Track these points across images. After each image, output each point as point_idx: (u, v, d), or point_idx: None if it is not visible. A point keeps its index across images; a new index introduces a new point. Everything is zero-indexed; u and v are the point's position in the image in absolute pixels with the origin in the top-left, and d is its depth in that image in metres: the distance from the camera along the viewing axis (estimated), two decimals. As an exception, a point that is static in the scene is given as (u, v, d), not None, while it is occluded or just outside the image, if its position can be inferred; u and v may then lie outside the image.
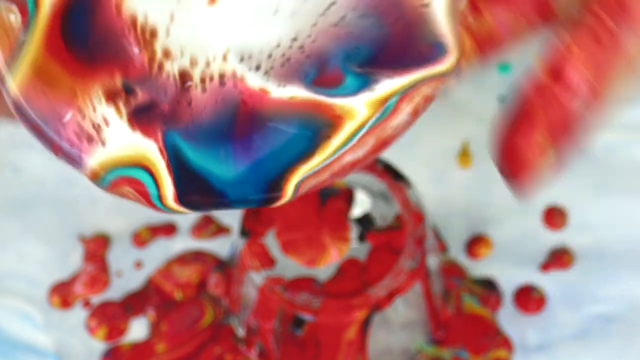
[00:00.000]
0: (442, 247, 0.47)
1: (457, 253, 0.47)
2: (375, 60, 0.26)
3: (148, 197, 0.27)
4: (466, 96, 0.50)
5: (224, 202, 0.27)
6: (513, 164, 0.28)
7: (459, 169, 0.49)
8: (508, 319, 0.45)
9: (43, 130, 0.27)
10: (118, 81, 0.26)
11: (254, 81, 0.26)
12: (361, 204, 0.42)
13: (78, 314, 0.46)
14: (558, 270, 0.46)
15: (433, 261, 0.42)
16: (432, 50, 0.26)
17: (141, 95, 0.26)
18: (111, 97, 0.26)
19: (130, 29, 0.26)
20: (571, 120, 0.27)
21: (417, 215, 0.41)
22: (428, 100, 0.27)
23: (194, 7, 0.26)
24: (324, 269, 0.41)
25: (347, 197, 0.42)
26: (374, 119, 0.26)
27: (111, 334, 0.45)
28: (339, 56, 0.26)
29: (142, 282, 0.47)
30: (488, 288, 0.46)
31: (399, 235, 0.41)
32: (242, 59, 0.26)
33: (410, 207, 0.42)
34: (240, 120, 0.26)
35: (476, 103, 0.50)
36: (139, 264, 0.47)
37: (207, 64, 0.26)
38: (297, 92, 0.26)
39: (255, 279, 0.41)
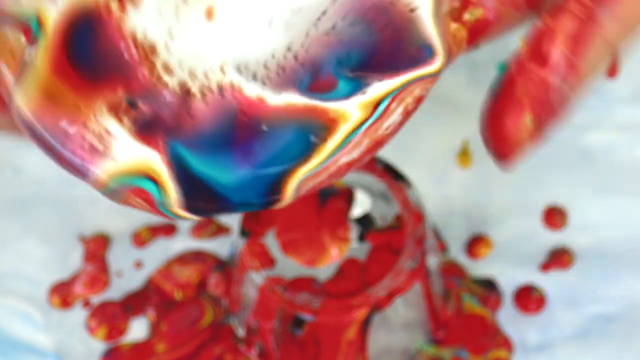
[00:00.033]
0: (442, 247, 0.47)
1: (457, 253, 0.47)
2: (366, 64, 0.27)
3: (154, 205, 0.28)
4: (466, 96, 0.50)
5: (228, 206, 0.28)
6: (502, 144, 0.29)
7: (459, 169, 0.49)
8: (508, 319, 0.45)
9: (51, 145, 0.28)
10: (121, 96, 0.27)
11: (252, 90, 0.27)
12: (361, 204, 0.42)
13: (78, 314, 0.46)
14: (558, 270, 0.46)
15: (433, 261, 0.42)
16: (420, 53, 0.28)
17: (144, 109, 0.27)
18: (115, 111, 0.27)
19: (131, 47, 0.27)
20: (552, 95, 0.28)
21: (417, 215, 0.41)
22: (418, 100, 0.28)
23: (193, 24, 0.27)
24: (324, 269, 0.41)
25: (347, 197, 0.42)
26: (367, 120, 0.28)
27: (111, 334, 0.45)
28: (332, 63, 0.27)
29: (142, 282, 0.47)
30: (488, 288, 0.46)
31: (399, 235, 0.41)
32: (239, 70, 0.27)
33: (410, 207, 0.42)
34: (239, 128, 0.27)
35: (476, 103, 0.50)
36: (139, 264, 0.47)
37: (206, 77, 0.27)
38: (292, 98, 0.27)
39: (255, 279, 0.41)
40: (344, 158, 0.28)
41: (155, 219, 0.47)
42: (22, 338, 0.46)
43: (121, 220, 0.48)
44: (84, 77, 0.27)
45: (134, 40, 0.27)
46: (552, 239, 0.47)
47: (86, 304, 0.46)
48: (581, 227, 0.47)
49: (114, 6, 0.27)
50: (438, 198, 0.48)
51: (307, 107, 0.27)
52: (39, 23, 0.27)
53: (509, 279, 0.46)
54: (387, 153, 0.49)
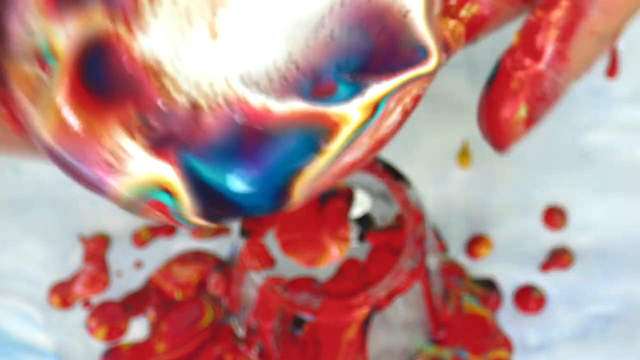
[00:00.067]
0: (442, 247, 0.47)
1: (457, 253, 0.47)
2: (364, 68, 0.29)
3: (171, 215, 0.29)
4: (466, 96, 0.50)
5: (241, 212, 0.29)
6: (498, 134, 0.31)
7: (459, 169, 0.49)
8: (508, 319, 0.45)
9: (70, 164, 0.29)
10: (133, 114, 0.28)
11: (257, 100, 0.28)
12: (361, 204, 0.42)
13: (78, 314, 0.46)
14: (558, 270, 0.46)
15: (433, 261, 0.42)
16: (415, 54, 0.29)
17: (156, 125, 0.28)
18: (128, 129, 0.29)
19: (141, 68, 0.28)
20: (546, 87, 0.30)
21: (417, 215, 0.41)
22: (416, 99, 0.30)
23: (198, 43, 0.28)
24: (324, 269, 0.41)
25: (347, 197, 0.42)
26: (368, 121, 0.29)
27: (111, 334, 0.45)
28: (331, 69, 0.28)
29: (142, 282, 0.47)
30: (488, 288, 0.46)
31: (399, 235, 0.41)
32: (244, 83, 0.28)
33: (410, 207, 0.42)
34: (247, 137, 0.28)
35: (476, 103, 0.50)
36: (139, 264, 0.47)
37: (213, 91, 0.28)
38: (296, 105, 0.28)
39: (255, 279, 0.41)
40: (348, 158, 0.29)
41: (155, 219, 0.47)
42: (22, 338, 0.46)
43: (121, 220, 0.48)
44: (97, 99, 0.28)
45: (143, 62, 0.28)
46: (552, 239, 0.47)
47: (86, 304, 0.46)
48: (581, 227, 0.47)
49: (122, 31, 0.28)
50: (438, 198, 0.48)
51: (310, 113, 0.28)
52: (52, 51, 0.29)
53: (509, 279, 0.46)
54: (387, 153, 0.49)
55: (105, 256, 0.47)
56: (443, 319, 0.44)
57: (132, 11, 0.28)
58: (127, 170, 0.29)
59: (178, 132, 0.29)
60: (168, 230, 0.48)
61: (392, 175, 0.42)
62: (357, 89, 0.29)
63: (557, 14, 0.29)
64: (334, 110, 0.29)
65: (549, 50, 0.30)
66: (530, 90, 0.30)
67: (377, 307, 0.40)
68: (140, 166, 0.29)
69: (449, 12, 0.30)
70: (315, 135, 0.29)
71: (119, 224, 0.48)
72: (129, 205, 0.30)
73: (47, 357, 0.45)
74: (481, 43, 0.50)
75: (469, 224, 0.48)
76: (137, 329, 0.46)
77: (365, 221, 0.41)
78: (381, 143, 0.30)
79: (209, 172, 0.29)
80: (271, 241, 0.41)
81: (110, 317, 0.46)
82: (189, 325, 0.45)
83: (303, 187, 0.29)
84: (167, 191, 0.29)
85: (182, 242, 0.47)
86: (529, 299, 0.46)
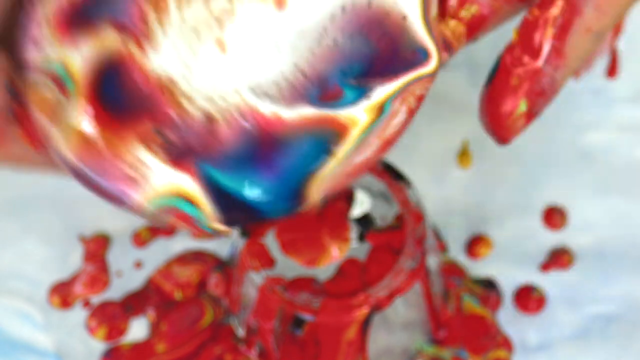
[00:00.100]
0: (442, 247, 0.47)
1: (457, 253, 0.47)
2: (368, 72, 0.30)
3: (193, 223, 0.31)
4: (466, 96, 0.50)
5: (260, 216, 0.30)
6: (500, 128, 0.32)
7: (459, 169, 0.49)
8: (508, 319, 0.45)
9: (92, 180, 0.31)
10: (151, 129, 0.30)
11: (267, 109, 0.30)
12: (361, 204, 0.42)
13: (78, 314, 0.46)
14: (558, 270, 0.46)
15: (433, 261, 0.42)
16: (416, 56, 0.30)
17: (172, 138, 0.30)
18: (147, 143, 0.30)
19: (155, 85, 0.30)
20: (544, 82, 0.31)
21: (417, 215, 0.41)
22: (420, 99, 0.31)
23: (207, 57, 0.30)
24: (324, 269, 0.41)
25: (347, 197, 0.42)
26: (375, 122, 0.30)
27: (111, 334, 0.45)
28: (337, 74, 0.30)
29: (142, 282, 0.47)
30: (488, 288, 0.46)
31: (399, 235, 0.41)
32: (254, 93, 0.30)
33: (410, 207, 0.42)
34: (261, 144, 0.30)
35: (476, 103, 0.50)
36: (139, 264, 0.47)
37: (225, 102, 0.30)
38: (305, 111, 0.30)
39: (255, 279, 0.41)
40: (359, 159, 0.30)
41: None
42: (22, 338, 0.46)
43: (121, 220, 0.48)
44: (115, 117, 0.30)
45: (157, 78, 0.30)
46: (552, 239, 0.47)
47: (86, 304, 0.46)
48: (581, 227, 0.47)
49: (135, 50, 0.30)
50: (438, 198, 0.48)
51: (320, 117, 0.30)
52: (68, 74, 0.30)
53: (509, 279, 0.46)
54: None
55: (105, 256, 0.47)
56: (443, 319, 0.44)
57: (142, 30, 0.30)
58: (150, 183, 0.30)
59: (195, 144, 0.30)
60: (168, 230, 0.48)
61: (392, 175, 0.42)
62: (362, 92, 0.30)
63: (553, 13, 0.30)
64: (342, 113, 0.30)
65: (546, 47, 0.31)
66: (530, 86, 0.31)
67: (377, 307, 0.40)
68: (162, 178, 0.30)
69: (449, 12, 0.31)
70: (326, 138, 0.30)
71: (119, 224, 0.48)
72: (153, 217, 0.31)
73: (47, 357, 0.45)
74: (480, 43, 0.50)
75: (469, 224, 0.48)
76: (137, 329, 0.46)
77: (365, 221, 0.41)
78: (389, 143, 0.31)
79: (227, 180, 0.30)
80: (271, 241, 0.41)
81: (110, 317, 0.46)
82: (189, 325, 0.45)
83: (318, 189, 0.30)
84: (189, 201, 0.30)
85: (182, 242, 0.47)
86: (529, 299, 0.46)
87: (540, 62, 0.31)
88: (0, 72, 0.31)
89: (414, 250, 0.41)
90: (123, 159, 0.30)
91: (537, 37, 0.31)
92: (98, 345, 0.45)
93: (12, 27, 0.32)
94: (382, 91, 0.30)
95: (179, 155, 0.30)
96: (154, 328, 0.45)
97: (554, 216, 0.47)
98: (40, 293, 0.47)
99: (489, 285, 0.46)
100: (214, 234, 0.31)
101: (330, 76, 0.30)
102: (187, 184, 0.30)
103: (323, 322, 0.40)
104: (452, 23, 0.31)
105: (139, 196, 0.30)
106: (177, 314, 0.45)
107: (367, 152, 0.31)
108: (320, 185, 0.30)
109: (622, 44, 0.50)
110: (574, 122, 0.49)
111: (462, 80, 0.50)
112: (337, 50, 0.30)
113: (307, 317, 0.40)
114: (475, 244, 0.47)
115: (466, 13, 0.31)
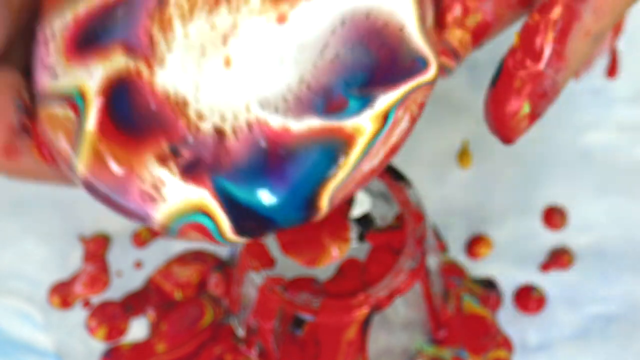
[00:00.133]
0: (442, 247, 0.47)
1: (457, 253, 0.47)
2: (370, 82, 0.31)
3: (211, 236, 0.31)
4: (466, 96, 0.50)
5: (274, 226, 0.31)
6: (504, 128, 0.32)
7: (459, 169, 0.49)
8: (508, 319, 0.45)
9: (112, 199, 0.31)
10: (165, 146, 0.31)
11: (276, 122, 0.31)
12: (361, 204, 0.42)
13: (78, 314, 0.46)
14: (558, 270, 0.46)
15: (433, 261, 0.42)
16: (415, 65, 0.31)
17: (187, 154, 0.31)
18: (162, 160, 0.31)
19: (165, 102, 0.31)
20: (546, 84, 0.32)
21: (417, 215, 0.41)
22: (421, 106, 0.32)
23: (214, 73, 0.31)
24: (324, 269, 0.41)
25: (347, 197, 0.42)
26: (380, 131, 0.31)
27: (111, 334, 0.45)
28: (340, 85, 0.31)
29: (142, 282, 0.47)
30: (488, 288, 0.46)
31: (399, 235, 0.41)
32: (262, 106, 0.31)
33: (410, 207, 0.42)
34: (271, 156, 0.31)
35: (476, 103, 0.50)
36: (139, 264, 0.47)
37: (235, 117, 0.31)
38: (312, 122, 0.31)
39: (255, 279, 0.41)
40: (367, 166, 0.31)
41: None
42: (22, 338, 0.46)
43: (121, 220, 0.48)
44: (127, 134, 0.31)
45: (166, 95, 0.31)
46: (552, 239, 0.47)
47: (86, 304, 0.46)
48: (581, 227, 0.47)
49: (143, 69, 0.31)
50: (438, 198, 0.48)
51: (326, 128, 0.31)
52: (81, 95, 0.31)
53: (509, 279, 0.46)
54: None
55: (105, 256, 0.47)
56: (443, 319, 0.44)
57: (148, 47, 0.31)
58: (165, 198, 0.31)
59: (208, 159, 0.31)
60: (168, 230, 0.48)
61: (392, 175, 0.42)
62: (366, 102, 0.31)
63: (553, 17, 0.31)
64: (347, 123, 0.31)
65: (548, 51, 0.31)
66: (532, 88, 0.32)
67: (377, 307, 0.40)
68: (177, 193, 0.31)
69: (455, 22, 0.32)
70: (334, 148, 0.31)
71: (119, 224, 0.48)
72: (170, 230, 0.31)
73: (47, 357, 0.45)
74: (481, 43, 0.50)
75: (469, 224, 0.48)
76: (137, 329, 0.46)
77: (365, 221, 0.41)
78: (394, 149, 0.32)
79: (240, 192, 0.31)
80: (271, 241, 0.41)
81: (110, 317, 0.46)
82: (189, 325, 0.45)
83: (329, 197, 0.31)
84: (205, 213, 0.31)
85: (182, 242, 0.47)
86: (529, 299, 0.46)
87: (541, 65, 0.31)
88: (9, 88, 0.32)
89: (414, 250, 0.41)
90: (138, 175, 0.31)
91: (538, 41, 0.31)
92: (98, 345, 0.45)
93: (17, 44, 0.33)
94: (385, 100, 0.31)
95: (193, 169, 0.31)
96: (154, 328, 0.45)
97: (554, 216, 0.47)
98: (40, 293, 0.47)
99: (489, 285, 0.46)
100: (230, 244, 0.32)
101: (335, 87, 0.31)
102: (204, 197, 0.31)
103: (323, 322, 0.40)
104: (458, 32, 0.32)
105: (157, 212, 0.31)
106: (177, 314, 0.45)
107: (374, 160, 0.31)
108: (331, 193, 0.31)
109: (622, 44, 0.50)
110: (574, 122, 0.49)
111: (462, 80, 0.50)
112: (339, 62, 0.31)
113: (307, 317, 0.40)
114: (475, 244, 0.47)
115: (471, 21, 0.32)
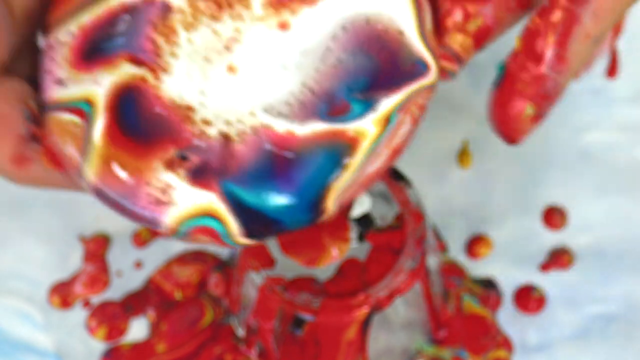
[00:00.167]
0: (442, 247, 0.47)
1: (457, 253, 0.47)
2: (372, 85, 0.31)
3: (219, 239, 0.32)
4: (466, 96, 0.50)
5: (282, 228, 0.32)
6: (509, 130, 0.33)
7: (459, 169, 0.49)
8: (508, 319, 0.45)
9: (121, 205, 0.32)
10: (172, 152, 0.31)
11: (280, 126, 0.31)
12: (361, 204, 0.42)
13: (78, 314, 0.46)
14: (558, 270, 0.46)
15: (433, 261, 0.42)
16: (415, 68, 0.32)
17: (194, 159, 0.31)
18: (170, 166, 0.31)
19: (172, 109, 0.31)
20: (548, 86, 0.32)
21: (417, 215, 0.41)
22: (422, 109, 0.32)
23: (219, 80, 0.31)
24: (324, 269, 0.41)
25: (347, 197, 0.41)
26: (382, 133, 0.31)
27: (111, 334, 0.45)
28: (343, 89, 0.31)
29: (142, 282, 0.47)
30: (488, 288, 0.46)
31: (399, 235, 0.41)
32: (267, 112, 0.31)
33: (410, 207, 0.42)
34: (277, 160, 0.31)
35: (476, 103, 0.50)
36: (139, 264, 0.47)
37: (241, 122, 0.31)
38: (316, 126, 0.31)
39: (255, 279, 0.41)
40: (371, 168, 0.32)
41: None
42: (22, 338, 0.46)
43: (121, 220, 0.48)
44: (137, 142, 0.31)
45: (173, 102, 0.31)
46: (552, 239, 0.47)
47: (86, 304, 0.46)
48: (581, 227, 0.47)
49: (149, 77, 0.31)
50: (438, 198, 0.48)
51: (330, 132, 0.31)
52: (90, 104, 0.32)
53: (509, 279, 0.46)
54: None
55: (105, 256, 0.47)
56: (443, 319, 0.44)
57: (153, 55, 0.31)
58: (174, 203, 0.31)
59: (216, 164, 0.31)
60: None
61: (392, 175, 0.42)
62: (369, 105, 0.31)
63: (554, 21, 0.32)
64: (351, 127, 0.31)
65: (549, 54, 0.32)
66: (535, 90, 0.32)
67: (377, 307, 0.40)
68: (186, 197, 0.31)
69: (456, 27, 0.33)
70: (338, 151, 0.31)
71: (119, 224, 0.48)
72: (180, 235, 0.32)
73: (47, 357, 0.45)
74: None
75: (469, 224, 0.48)
76: (137, 329, 0.46)
77: (365, 221, 0.41)
78: (397, 151, 0.32)
79: (248, 196, 0.31)
80: (271, 241, 0.41)
81: (110, 317, 0.46)
82: (189, 325, 0.45)
83: (335, 199, 0.32)
84: (214, 217, 0.31)
85: (182, 242, 0.47)
86: (529, 299, 0.46)
87: (544, 68, 0.32)
88: (17, 98, 0.32)
89: (414, 250, 0.41)
90: (147, 181, 0.31)
91: (539, 44, 0.32)
92: (98, 345, 0.45)
93: (22, 54, 0.33)
94: (387, 103, 0.31)
95: (201, 175, 0.31)
96: (154, 328, 0.45)
97: (554, 216, 0.47)
98: (40, 293, 0.47)
99: (489, 285, 0.46)
100: (239, 247, 0.33)
101: (337, 92, 0.31)
102: (212, 201, 0.31)
103: (323, 322, 0.40)
104: (460, 37, 0.33)
105: (166, 216, 0.31)
106: (177, 314, 0.45)
107: (378, 162, 0.32)
108: (337, 195, 0.32)
109: (622, 44, 0.50)
110: (574, 122, 0.49)
111: (462, 81, 0.50)
112: (341, 67, 0.31)
113: (307, 317, 0.40)
114: (475, 244, 0.47)
115: (472, 26, 0.33)
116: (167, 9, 0.32)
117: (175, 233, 0.32)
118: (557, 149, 0.49)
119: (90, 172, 0.32)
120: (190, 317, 0.45)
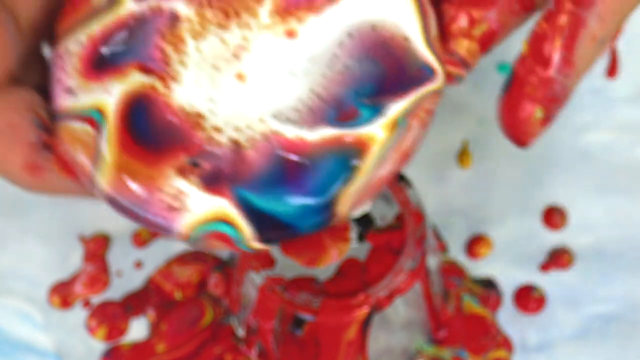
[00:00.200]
0: (442, 247, 0.47)
1: (457, 253, 0.47)
2: (380, 91, 0.32)
3: (233, 244, 0.32)
4: (466, 96, 0.50)
5: (295, 232, 0.32)
6: (518, 133, 0.33)
7: (459, 169, 0.49)
8: (508, 319, 0.45)
9: (135, 212, 0.32)
10: (184, 159, 0.32)
11: (290, 132, 0.32)
12: (361, 204, 0.42)
13: (78, 314, 0.46)
14: (558, 270, 0.46)
15: (433, 261, 0.42)
16: (421, 73, 0.32)
17: (205, 166, 0.32)
18: (182, 173, 0.32)
19: (182, 117, 0.32)
20: (556, 89, 0.33)
21: (417, 215, 0.41)
22: (430, 113, 0.33)
23: (228, 87, 0.32)
24: (324, 269, 0.41)
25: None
26: (391, 138, 0.32)
27: (111, 334, 0.45)
28: (351, 95, 0.32)
29: (142, 282, 0.47)
30: (488, 288, 0.46)
31: (399, 235, 0.41)
32: (276, 118, 0.32)
33: (410, 207, 0.42)
34: (288, 166, 0.31)
35: (476, 103, 0.50)
36: (139, 264, 0.47)
37: (251, 129, 0.32)
38: (326, 132, 0.32)
39: (255, 279, 0.41)
40: (382, 172, 0.32)
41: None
42: (22, 338, 0.46)
43: (121, 220, 0.48)
44: (149, 150, 0.32)
45: (182, 110, 0.32)
46: (552, 239, 0.47)
47: (86, 304, 0.46)
48: (581, 227, 0.47)
49: (159, 86, 0.32)
50: (438, 198, 0.48)
51: (340, 137, 0.32)
52: (101, 113, 0.32)
53: (509, 279, 0.46)
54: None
55: (105, 256, 0.47)
56: (443, 319, 0.44)
57: (163, 64, 0.32)
58: (188, 209, 0.32)
59: (228, 171, 0.32)
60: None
61: (392, 175, 0.42)
62: (377, 110, 0.32)
63: (560, 25, 0.32)
64: (360, 132, 0.32)
65: (556, 57, 0.32)
66: (543, 94, 0.32)
67: (377, 307, 0.40)
68: (199, 204, 0.32)
69: (461, 32, 0.33)
70: (348, 156, 0.32)
71: (119, 224, 0.48)
72: (194, 241, 0.32)
73: (47, 357, 0.45)
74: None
75: (469, 224, 0.48)
76: (137, 329, 0.46)
77: (365, 221, 0.41)
78: (407, 155, 0.33)
79: (260, 201, 0.32)
80: (271, 241, 0.41)
81: (110, 317, 0.46)
82: (189, 325, 0.45)
83: (346, 203, 0.32)
84: (228, 223, 0.32)
85: (183, 243, 0.47)
86: (529, 299, 0.46)
87: (551, 72, 0.32)
88: (27, 108, 0.33)
89: (414, 250, 0.41)
90: (163, 190, 0.32)
91: (546, 48, 0.32)
92: (98, 345, 0.45)
93: (31, 64, 0.34)
94: (395, 108, 0.32)
95: (214, 181, 0.32)
96: (154, 328, 0.45)
97: (554, 216, 0.47)
98: (40, 293, 0.47)
99: (489, 285, 0.46)
100: (253, 252, 0.33)
101: (345, 97, 0.32)
102: (225, 207, 0.32)
103: (323, 322, 0.40)
104: (465, 42, 0.33)
105: (180, 223, 0.32)
106: (177, 314, 0.45)
107: (388, 166, 0.32)
108: (348, 199, 0.32)
109: (622, 44, 0.50)
110: (574, 122, 0.49)
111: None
112: (348, 73, 0.32)
113: (307, 317, 0.40)
114: (475, 244, 0.47)
115: (477, 31, 0.33)
116: (175, 19, 0.32)
117: (189, 239, 0.32)
118: (557, 149, 0.49)
119: (103, 180, 0.32)
120: (190, 317, 0.45)
